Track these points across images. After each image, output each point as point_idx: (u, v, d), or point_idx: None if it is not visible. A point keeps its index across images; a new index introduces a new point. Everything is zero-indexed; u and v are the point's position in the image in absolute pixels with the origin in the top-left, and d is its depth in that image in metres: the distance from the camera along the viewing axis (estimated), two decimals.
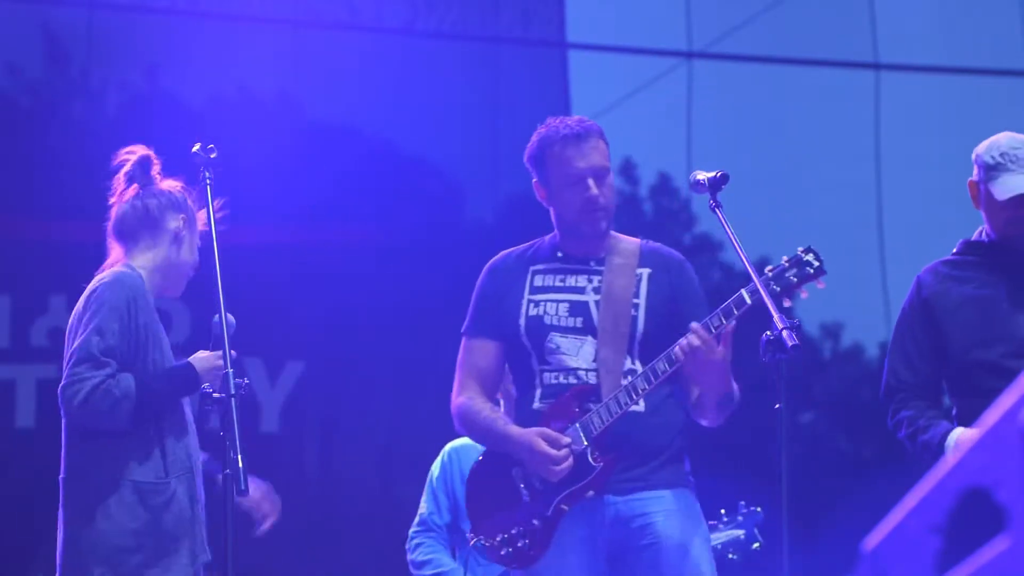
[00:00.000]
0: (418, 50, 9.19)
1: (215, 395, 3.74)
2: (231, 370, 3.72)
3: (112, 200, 4.19)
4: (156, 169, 4.18)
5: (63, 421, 3.98)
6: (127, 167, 4.17)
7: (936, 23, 10.52)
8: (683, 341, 3.58)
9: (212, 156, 3.98)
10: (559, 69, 9.81)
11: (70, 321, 4.03)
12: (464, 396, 3.84)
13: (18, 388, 8.15)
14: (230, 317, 3.84)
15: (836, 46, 10.35)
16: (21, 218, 8.22)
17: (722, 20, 10.05)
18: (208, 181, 3.98)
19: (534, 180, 3.89)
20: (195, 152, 3.99)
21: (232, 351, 3.77)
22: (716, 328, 3.60)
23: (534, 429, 3.69)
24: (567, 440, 3.66)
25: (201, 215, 4.17)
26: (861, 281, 9.98)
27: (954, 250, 4.12)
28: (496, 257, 3.96)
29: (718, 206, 3.74)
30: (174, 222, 4.13)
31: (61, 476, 4.00)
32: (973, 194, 4.04)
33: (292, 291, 8.43)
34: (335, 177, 8.56)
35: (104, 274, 4.06)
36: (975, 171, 4.01)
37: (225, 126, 8.17)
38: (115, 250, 4.17)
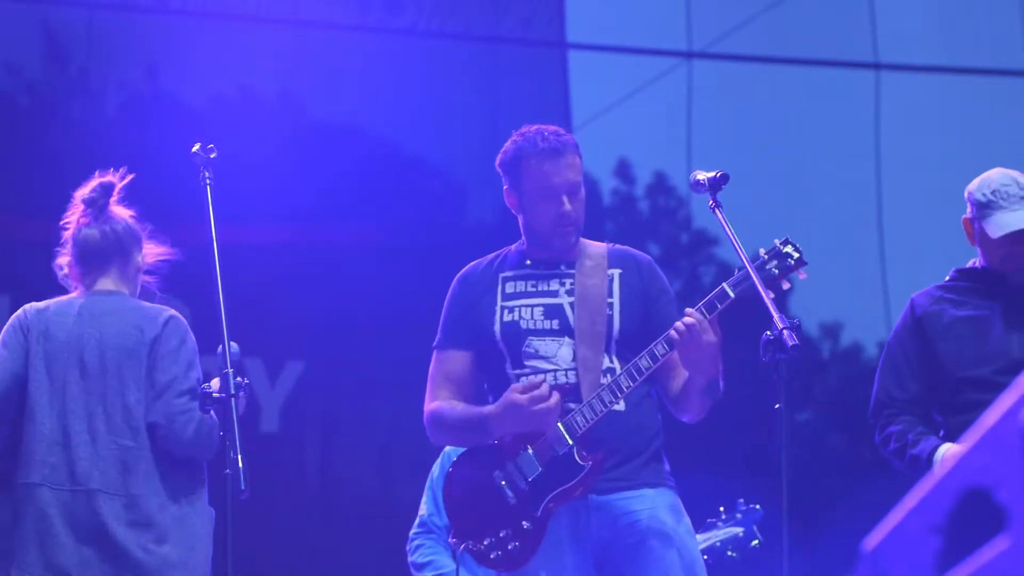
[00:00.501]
0: (419, 50, 9.19)
1: (215, 395, 3.74)
2: (231, 370, 3.72)
3: (68, 222, 4.21)
4: (115, 198, 4.21)
5: (146, 445, 4.03)
6: (87, 191, 4.19)
7: (936, 23, 10.52)
8: (678, 324, 3.60)
9: (212, 156, 3.99)
10: (559, 69, 9.81)
11: (120, 339, 4.07)
12: (436, 402, 3.85)
13: None
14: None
15: (836, 46, 10.35)
16: (21, 218, 8.22)
17: (722, 20, 10.05)
18: (208, 181, 3.98)
19: (505, 187, 3.91)
20: (195, 152, 4.00)
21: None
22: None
23: (508, 392, 3.69)
24: (541, 378, 3.68)
25: (148, 247, 4.25)
26: (861, 281, 9.98)
27: (947, 277, 4.15)
28: (464, 269, 3.99)
29: (718, 206, 3.75)
30: (139, 255, 4.21)
31: (142, 493, 4.01)
32: (968, 231, 4.08)
33: (292, 291, 8.43)
34: (335, 177, 8.56)
35: (169, 310, 4.15)
36: (968, 209, 4.05)
37: (225, 126, 8.18)
38: (73, 272, 4.20)
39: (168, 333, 4.09)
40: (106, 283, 4.17)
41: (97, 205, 4.18)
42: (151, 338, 4.07)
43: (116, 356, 4.05)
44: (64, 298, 4.18)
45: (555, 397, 3.65)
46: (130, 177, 4.23)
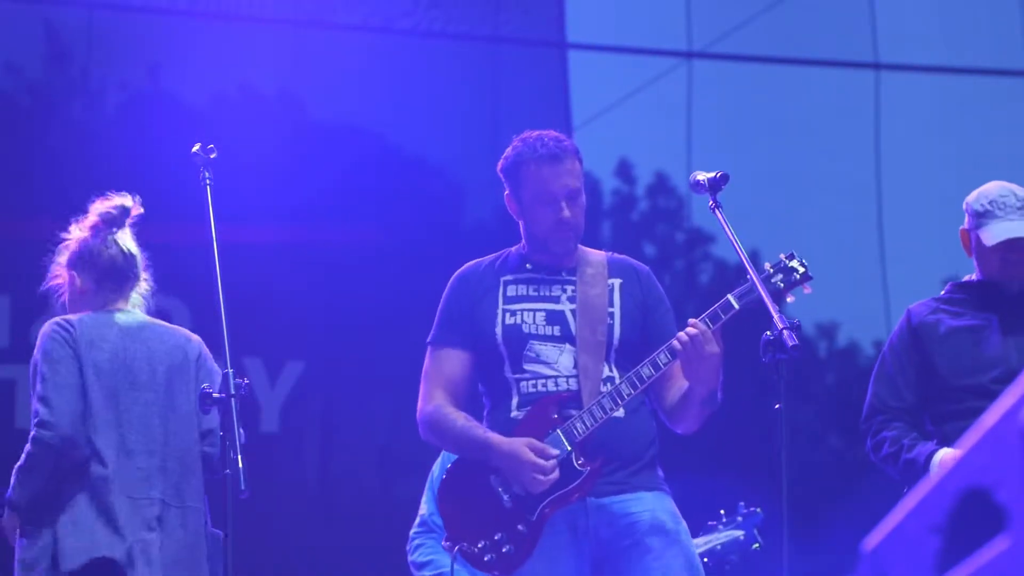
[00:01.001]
0: (418, 50, 9.19)
1: (215, 395, 3.74)
2: (231, 370, 3.72)
3: (74, 233, 4.22)
4: (130, 220, 4.26)
5: (197, 459, 4.18)
6: (108, 208, 4.22)
7: (936, 23, 10.52)
8: (681, 335, 3.61)
9: (212, 156, 3.99)
10: (559, 69, 9.80)
11: (173, 350, 4.18)
12: (433, 404, 3.83)
13: (18, 388, 8.15)
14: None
15: (836, 46, 10.35)
16: (21, 218, 8.21)
17: (722, 20, 10.05)
18: (208, 181, 3.99)
19: (506, 192, 3.91)
20: (195, 152, 4.00)
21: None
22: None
23: (520, 439, 3.68)
24: (555, 452, 3.66)
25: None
26: (861, 281, 9.98)
27: (943, 291, 4.17)
28: (463, 267, 3.98)
29: (718, 206, 3.75)
30: (146, 284, 4.26)
31: (195, 507, 4.17)
32: (965, 242, 4.11)
33: (292, 291, 8.43)
34: (335, 177, 8.56)
35: (189, 333, 4.27)
36: (966, 220, 4.07)
37: (225, 126, 8.18)
38: (86, 288, 4.22)
39: (205, 353, 4.26)
40: (121, 303, 4.24)
41: (115, 224, 4.23)
42: (195, 356, 4.22)
43: (167, 371, 4.14)
44: (91, 313, 4.20)
45: (553, 476, 3.64)
46: (140, 210, 4.26)
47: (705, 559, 4.79)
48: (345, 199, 8.67)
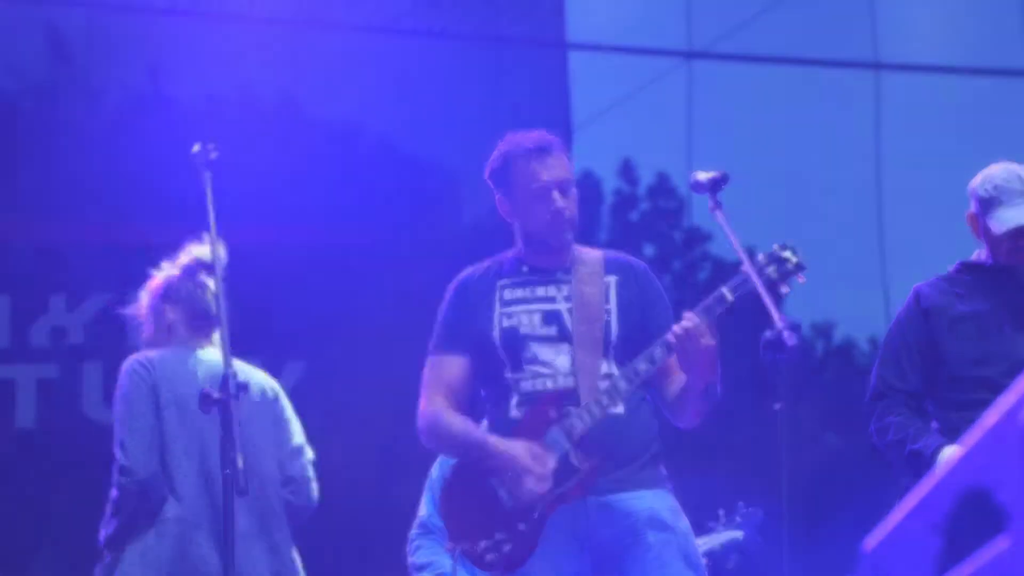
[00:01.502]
0: (418, 50, 9.19)
1: (215, 395, 3.74)
2: (231, 371, 3.72)
3: (173, 271, 4.31)
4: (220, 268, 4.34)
5: (280, 496, 4.36)
6: (207, 254, 4.27)
7: (937, 23, 10.52)
8: (675, 328, 3.60)
9: (212, 157, 4.00)
10: (559, 69, 9.80)
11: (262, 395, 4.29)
12: (432, 408, 3.84)
13: (18, 388, 8.15)
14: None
15: (836, 46, 10.35)
16: (21, 218, 8.21)
17: (722, 20, 10.05)
18: (208, 182, 3.99)
19: (496, 197, 3.91)
20: (195, 153, 4.00)
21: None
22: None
23: (519, 443, 3.68)
24: (552, 461, 3.66)
25: None
26: (861, 281, 9.98)
27: (952, 269, 4.15)
28: (460, 276, 3.98)
29: (718, 206, 3.75)
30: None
31: (283, 539, 4.41)
32: (973, 226, 4.09)
33: (292, 291, 8.43)
34: (335, 177, 8.56)
35: (269, 378, 4.41)
36: (972, 204, 4.06)
37: (225, 126, 8.17)
38: (177, 325, 4.31)
39: (283, 396, 4.41)
40: (204, 342, 4.35)
41: (207, 269, 4.33)
42: (273, 398, 4.36)
43: (249, 409, 4.17)
44: (173, 349, 4.29)
45: (546, 486, 3.64)
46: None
47: (704, 559, 4.79)
48: (345, 199, 8.67)
